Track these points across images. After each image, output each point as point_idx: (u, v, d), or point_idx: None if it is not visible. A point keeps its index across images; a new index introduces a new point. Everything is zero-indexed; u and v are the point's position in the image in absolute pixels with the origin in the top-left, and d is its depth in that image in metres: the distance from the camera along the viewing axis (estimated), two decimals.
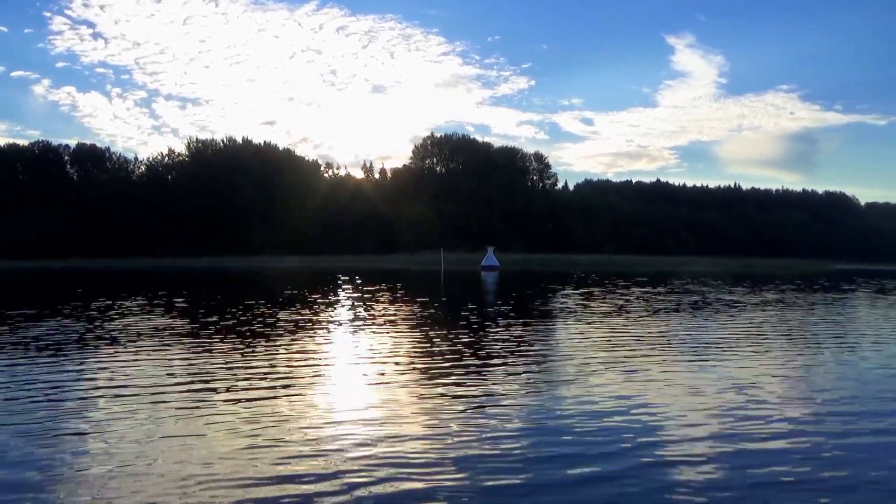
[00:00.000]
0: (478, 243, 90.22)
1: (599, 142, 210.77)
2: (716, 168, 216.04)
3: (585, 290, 31.45)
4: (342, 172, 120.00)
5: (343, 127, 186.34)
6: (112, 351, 12.24)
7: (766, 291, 33.14)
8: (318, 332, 15.25)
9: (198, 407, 8.19)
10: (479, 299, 25.88)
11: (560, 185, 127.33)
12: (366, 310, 20.55)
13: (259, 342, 13.37)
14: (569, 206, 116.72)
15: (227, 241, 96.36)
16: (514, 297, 26.53)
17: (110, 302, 22.61)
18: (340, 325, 16.64)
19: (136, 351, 12.20)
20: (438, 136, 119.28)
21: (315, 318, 18.08)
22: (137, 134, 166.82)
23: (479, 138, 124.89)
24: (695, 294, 30.00)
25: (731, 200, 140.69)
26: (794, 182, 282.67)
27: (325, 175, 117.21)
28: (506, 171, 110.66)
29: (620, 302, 24.43)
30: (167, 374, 10.13)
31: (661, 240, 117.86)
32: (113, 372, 10.25)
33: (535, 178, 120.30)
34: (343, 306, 21.84)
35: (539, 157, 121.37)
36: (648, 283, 39.89)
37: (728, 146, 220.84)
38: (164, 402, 8.44)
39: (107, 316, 18.23)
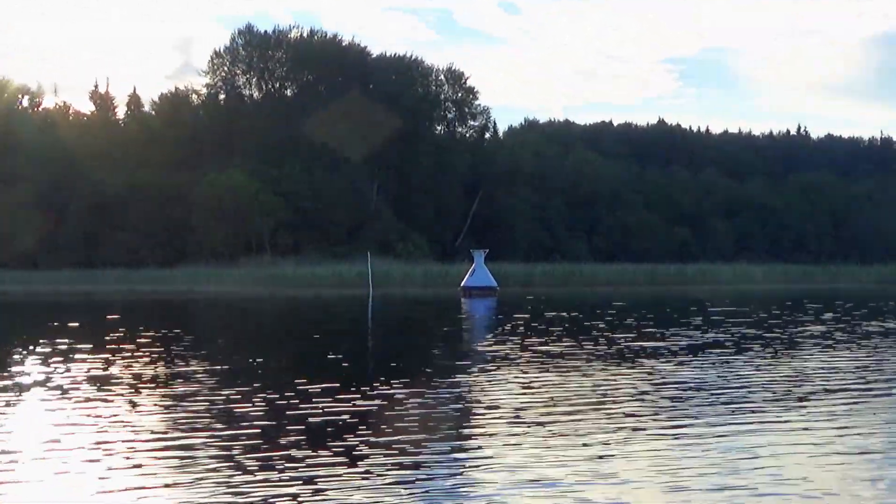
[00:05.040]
0: (351, 242, 62.37)
1: (534, 49, 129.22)
2: (744, 99, 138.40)
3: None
4: (49, 103, 76.34)
5: (25, 19, 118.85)
6: None
7: None
8: None
9: None
10: None
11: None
12: None
13: None
14: (510, 170, 67.39)
15: None
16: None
17: None
18: None
19: None
20: (261, 31, 74.27)
21: None
22: None
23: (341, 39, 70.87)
24: None
25: (794, 159, 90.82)
26: (888, 122, 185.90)
27: (19, 107, 75.45)
28: (400, 102, 61.08)
29: None
30: None
31: (671, 232, 76.43)
32: None
33: (449, 115, 69.44)
34: None
35: (456, 77, 75.39)
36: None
37: (765, 58, 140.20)
38: None
39: None
